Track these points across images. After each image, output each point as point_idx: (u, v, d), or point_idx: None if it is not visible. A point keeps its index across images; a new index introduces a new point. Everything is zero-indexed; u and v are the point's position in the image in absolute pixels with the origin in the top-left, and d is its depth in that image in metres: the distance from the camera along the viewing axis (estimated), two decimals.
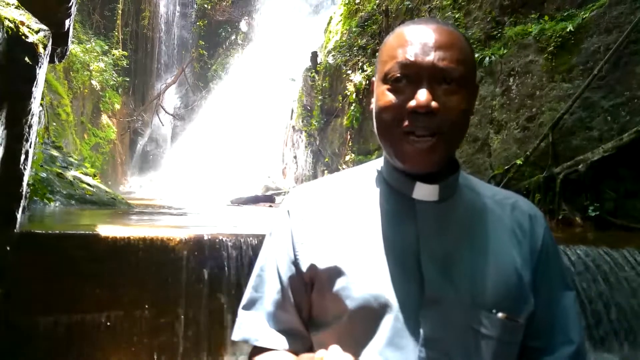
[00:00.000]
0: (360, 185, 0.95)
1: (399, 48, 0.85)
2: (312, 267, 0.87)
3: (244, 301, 0.94)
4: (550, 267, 0.91)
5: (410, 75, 0.83)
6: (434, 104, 0.81)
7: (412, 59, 0.83)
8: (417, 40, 0.84)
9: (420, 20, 0.89)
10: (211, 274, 2.40)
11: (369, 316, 0.82)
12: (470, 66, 0.87)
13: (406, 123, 0.82)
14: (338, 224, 0.90)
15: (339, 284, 0.84)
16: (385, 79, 0.86)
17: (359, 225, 0.89)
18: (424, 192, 0.88)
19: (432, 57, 0.83)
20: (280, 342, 0.87)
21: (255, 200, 8.98)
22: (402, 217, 0.88)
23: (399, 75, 0.84)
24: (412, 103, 0.81)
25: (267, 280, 0.92)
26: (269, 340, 0.88)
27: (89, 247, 2.30)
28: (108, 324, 2.22)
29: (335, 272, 0.85)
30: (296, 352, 0.86)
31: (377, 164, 0.98)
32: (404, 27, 0.89)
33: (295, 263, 0.89)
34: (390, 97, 0.84)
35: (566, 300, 0.90)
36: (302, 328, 0.90)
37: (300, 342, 0.89)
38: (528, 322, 0.87)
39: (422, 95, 0.81)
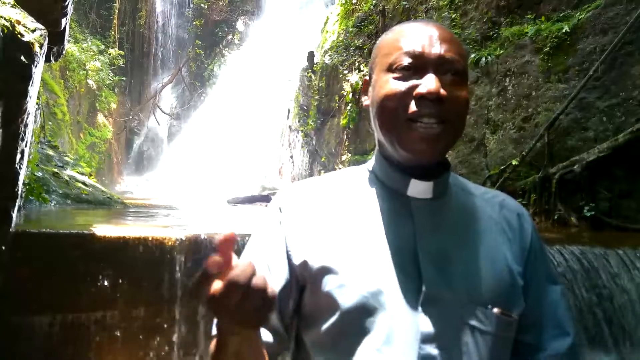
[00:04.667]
0: (352, 184, 0.96)
1: (403, 39, 0.87)
2: (304, 265, 0.86)
3: None
4: (538, 263, 0.93)
5: (418, 65, 0.85)
6: (442, 91, 0.82)
7: (419, 49, 0.85)
8: (421, 33, 0.87)
9: (418, 20, 0.93)
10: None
11: (366, 313, 0.82)
12: (466, 65, 0.90)
13: (413, 109, 0.83)
14: (331, 222, 0.89)
15: (333, 282, 0.83)
16: (390, 69, 0.87)
17: (352, 222, 0.89)
18: (418, 189, 0.89)
19: (438, 48, 0.85)
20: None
21: (251, 200, 8.95)
22: (398, 214, 0.89)
23: (406, 64, 0.85)
24: (421, 89, 0.82)
25: None
26: None
27: (85, 246, 2.29)
28: (103, 323, 2.22)
29: (329, 270, 0.84)
30: (269, 349, 0.84)
31: (367, 165, 0.99)
32: (404, 25, 0.91)
33: (288, 258, 0.88)
34: (396, 85, 0.85)
35: (555, 295, 0.93)
36: (281, 328, 0.88)
37: (276, 340, 0.87)
38: (520, 318, 0.88)
39: (432, 82, 0.82)
